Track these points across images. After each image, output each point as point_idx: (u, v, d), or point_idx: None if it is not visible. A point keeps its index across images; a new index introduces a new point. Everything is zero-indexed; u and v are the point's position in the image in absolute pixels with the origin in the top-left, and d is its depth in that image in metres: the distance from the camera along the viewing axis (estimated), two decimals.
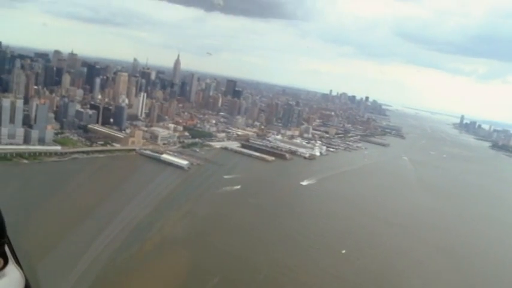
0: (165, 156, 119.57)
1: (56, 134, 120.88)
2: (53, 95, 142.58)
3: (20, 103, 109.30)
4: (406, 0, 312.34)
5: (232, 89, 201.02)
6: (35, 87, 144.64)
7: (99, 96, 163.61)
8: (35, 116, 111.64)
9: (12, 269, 3.62)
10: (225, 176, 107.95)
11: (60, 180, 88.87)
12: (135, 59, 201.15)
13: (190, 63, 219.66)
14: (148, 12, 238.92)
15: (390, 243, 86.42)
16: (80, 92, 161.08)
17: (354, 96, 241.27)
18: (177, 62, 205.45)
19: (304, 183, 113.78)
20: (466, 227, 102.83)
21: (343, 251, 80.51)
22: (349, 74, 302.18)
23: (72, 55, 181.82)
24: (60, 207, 75.68)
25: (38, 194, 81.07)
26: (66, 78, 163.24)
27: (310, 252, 76.50)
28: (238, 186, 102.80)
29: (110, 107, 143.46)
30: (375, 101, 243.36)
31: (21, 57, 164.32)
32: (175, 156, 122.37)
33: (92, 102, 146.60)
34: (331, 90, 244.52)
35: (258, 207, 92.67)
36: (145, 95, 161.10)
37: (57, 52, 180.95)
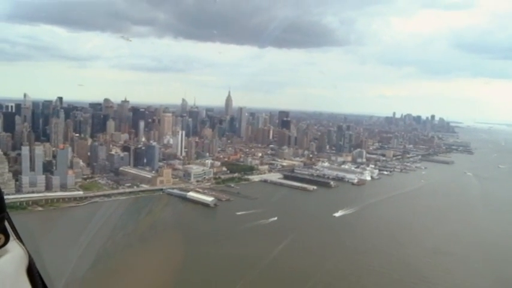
0: (190, 194, 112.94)
1: (85, 178, 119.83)
2: (94, 140, 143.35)
3: (39, 150, 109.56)
4: (460, 9, 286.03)
5: (282, 120, 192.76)
6: (77, 135, 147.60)
7: (143, 139, 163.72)
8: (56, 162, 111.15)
9: (14, 246, 3.50)
10: (245, 212, 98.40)
11: (65, 226, 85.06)
12: (183, 100, 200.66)
13: (252, 101, 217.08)
14: (206, 56, 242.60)
15: (432, 279, 70.63)
16: (124, 136, 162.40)
17: (419, 117, 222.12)
18: (228, 99, 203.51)
19: (338, 214, 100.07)
20: None
21: None
22: (415, 95, 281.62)
23: (124, 102, 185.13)
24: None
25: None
26: (111, 124, 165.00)
27: None
28: (259, 222, 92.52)
29: (143, 148, 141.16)
30: (441, 119, 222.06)
31: (73, 109, 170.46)
32: (202, 193, 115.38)
33: (128, 145, 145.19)
34: (394, 113, 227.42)
35: (276, 244, 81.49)
36: (183, 133, 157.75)
37: (106, 100, 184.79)
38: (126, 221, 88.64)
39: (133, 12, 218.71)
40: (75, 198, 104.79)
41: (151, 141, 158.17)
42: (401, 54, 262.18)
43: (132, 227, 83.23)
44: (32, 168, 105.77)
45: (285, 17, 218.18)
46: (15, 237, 3.55)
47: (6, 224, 3.44)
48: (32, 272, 3.60)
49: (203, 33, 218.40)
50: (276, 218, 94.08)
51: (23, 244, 3.58)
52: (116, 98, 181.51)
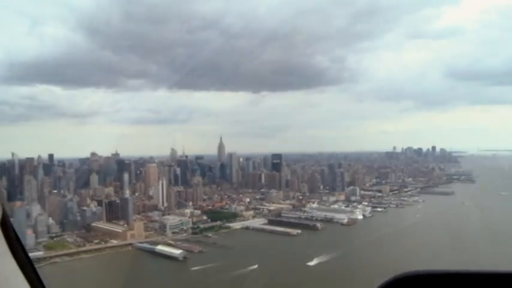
0: (159, 248, 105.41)
1: (52, 237, 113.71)
2: (64, 196, 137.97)
3: None
4: (447, 37, 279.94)
5: (271, 163, 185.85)
6: (55, 191, 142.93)
7: (127, 192, 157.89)
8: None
9: None
10: (210, 265, 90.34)
11: None
12: (172, 149, 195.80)
13: (253, 147, 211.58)
14: (204, 105, 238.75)
15: None
16: (108, 190, 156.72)
17: (420, 149, 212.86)
18: (220, 146, 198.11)
19: (313, 262, 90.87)
20: None
21: None
22: (416, 127, 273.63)
23: (114, 155, 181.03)
24: None
25: None
26: (94, 178, 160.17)
27: None
28: (224, 276, 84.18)
29: (117, 201, 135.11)
30: (443, 150, 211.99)
31: (59, 164, 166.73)
32: (172, 246, 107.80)
33: (100, 199, 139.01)
34: (394, 147, 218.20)
35: None
36: (164, 183, 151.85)
37: (93, 154, 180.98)
38: (73, 283, 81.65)
39: (125, 65, 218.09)
40: (33, 260, 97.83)
41: (126, 194, 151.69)
42: (397, 88, 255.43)
43: None
44: None
45: (275, 60, 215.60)
46: None
47: None
48: (5, 224, 3.49)
49: (196, 82, 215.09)
50: (242, 271, 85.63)
51: None
52: (108, 152, 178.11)
